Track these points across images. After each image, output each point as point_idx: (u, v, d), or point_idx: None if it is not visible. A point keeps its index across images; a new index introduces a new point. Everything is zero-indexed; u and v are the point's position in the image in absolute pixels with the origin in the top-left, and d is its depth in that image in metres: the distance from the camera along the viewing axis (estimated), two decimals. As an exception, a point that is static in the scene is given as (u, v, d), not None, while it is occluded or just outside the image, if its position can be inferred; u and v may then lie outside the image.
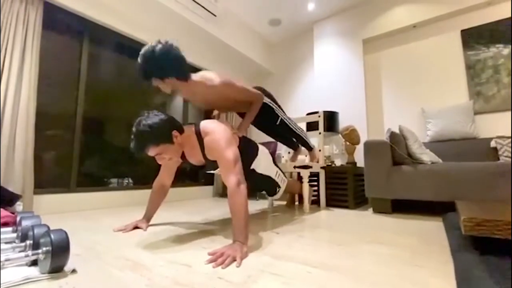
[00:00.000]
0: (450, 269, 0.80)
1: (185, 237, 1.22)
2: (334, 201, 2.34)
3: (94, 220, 1.66)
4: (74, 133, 2.22)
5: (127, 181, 2.65)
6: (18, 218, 1.05)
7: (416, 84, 2.76)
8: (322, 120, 2.44)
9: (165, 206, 2.34)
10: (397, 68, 2.90)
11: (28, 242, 0.83)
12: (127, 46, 2.68)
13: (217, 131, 1.20)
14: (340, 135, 2.87)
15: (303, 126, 3.26)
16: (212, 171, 1.53)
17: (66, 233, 0.78)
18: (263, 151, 1.64)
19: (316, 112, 2.59)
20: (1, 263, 0.73)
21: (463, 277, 0.64)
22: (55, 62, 2.20)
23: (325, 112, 2.88)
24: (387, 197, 1.93)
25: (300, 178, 2.44)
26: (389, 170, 1.94)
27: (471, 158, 2.19)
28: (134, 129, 1.11)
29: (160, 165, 1.47)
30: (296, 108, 3.65)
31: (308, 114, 2.95)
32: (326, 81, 3.29)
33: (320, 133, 2.42)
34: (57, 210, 2.01)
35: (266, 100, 1.80)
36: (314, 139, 2.50)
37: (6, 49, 1.79)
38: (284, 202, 2.58)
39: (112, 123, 2.62)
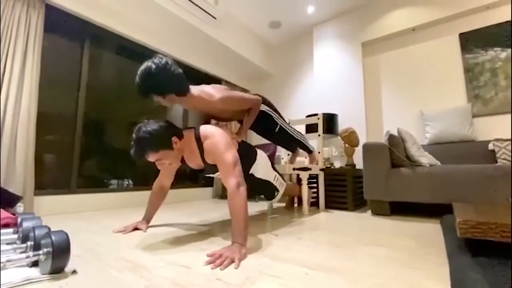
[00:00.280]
0: (446, 271, 0.81)
1: (184, 239, 1.23)
2: (333, 203, 2.35)
3: (94, 221, 1.67)
4: (74, 135, 2.23)
5: (127, 182, 2.66)
6: (19, 220, 1.06)
7: (415, 86, 2.77)
8: (321, 122, 2.45)
9: (164, 208, 2.35)
10: (396, 70, 2.92)
11: (29, 243, 0.84)
12: (127, 48, 2.70)
13: (216, 135, 1.21)
14: (339, 137, 2.89)
15: (302, 128, 3.27)
16: (211, 175, 1.54)
17: (66, 234, 0.79)
18: (261, 156, 1.64)
19: (316, 114, 2.61)
20: (3, 264, 0.74)
21: (457, 279, 0.65)
22: (56, 64, 2.21)
23: (324, 114, 2.89)
24: (386, 199, 1.94)
25: (299, 180, 2.45)
26: (388, 172, 1.95)
27: (469, 161, 2.20)
28: (134, 135, 1.13)
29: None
30: (296, 110, 3.66)
31: (307, 116, 2.96)
32: (325, 83, 3.31)
33: (319, 135, 2.43)
34: (58, 211, 2.02)
35: (265, 108, 1.80)
36: (313, 141, 2.51)
37: (8, 51, 1.81)
38: (283, 204, 2.59)
39: (113, 125, 2.64)
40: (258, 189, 1.78)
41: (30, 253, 0.78)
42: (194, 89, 1.35)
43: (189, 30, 2.84)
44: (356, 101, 3.05)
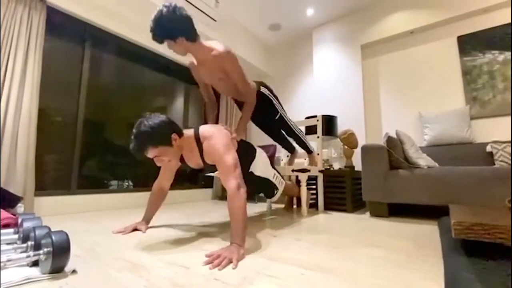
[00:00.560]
0: (442, 272, 0.82)
1: (183, 239, 1.24)
2: (332, 205, 2.36)
3: (94, 222, 1.68)
4: (75, 136, 2.25)
5: (127, 183, 2.67)
6: (19, 220, 1.07)
7: (414, 89, 2.79)
8: (321, 124, 2.47)
9: (164, 209, 2.36)
10: (395, 73, 2.94)
11: (30, 243, 0.85)
12: (128, 50, 2.72)
13: (216, 136, 1.22)
14: (338, 139, 2.90)
15: (301, 130, 3.29)
16: (211, 174, 1.55)
17: (67, 234, 0.80)
18: (261, 154, 1.66)
19: (315, 116, 2.62)
20: (4, 264, 0.75)
21: (451, 279, 0.66)
22: (58, 65, 2.23)
23: (323, 116, 2.91)
24: (384, 201, 1.95)
25: (298, 181, 2.46)
26: (386, 174, 1.96)
27: (468, 163, 2.22)
28: (135, 130, 1.13)
29: (159, 168, 1.49)
30: (295, 112, 3.68)
31: (307, 118, 2.98)
32: (325, 85, 3.33)
33: (318, 137, 2.45)
34: (58, 212, 2.02)
35: (266, 92, 1.84)
36: (312, 142, 2.52)
37: (9, 52, 1.82)
38: (282, 205, 2.60)
39: (113, 125, 2.65)
40: (258, 187, 1.79)
41: (31, 253, 0.79)
42: (205, 42, 1.45)
43: (189, 32, 2.85)
44: (355, 103, 3.06)
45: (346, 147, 2.71)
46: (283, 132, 2.21)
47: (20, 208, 1.60)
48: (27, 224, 0.99)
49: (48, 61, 2.13)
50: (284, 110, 2.02)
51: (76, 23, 2.29)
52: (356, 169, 2.73)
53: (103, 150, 2.51)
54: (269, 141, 3.61)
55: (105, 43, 2.55)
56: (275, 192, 1.83)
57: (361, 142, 2.91)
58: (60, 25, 2.23)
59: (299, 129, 2.15)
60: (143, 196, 2.57)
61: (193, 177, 3.32)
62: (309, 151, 2.29)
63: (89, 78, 2.38)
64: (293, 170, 2.10)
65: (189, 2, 2.58)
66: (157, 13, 1.30)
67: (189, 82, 3.34)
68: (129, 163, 2.67)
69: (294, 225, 1.65)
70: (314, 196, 2.46)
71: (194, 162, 1.35)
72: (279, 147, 3.27)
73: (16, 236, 1.03)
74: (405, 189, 1.87)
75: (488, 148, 2.14)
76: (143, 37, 2.70)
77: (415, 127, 2.73)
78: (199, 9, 2.72)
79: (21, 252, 0.86)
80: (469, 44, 2.50)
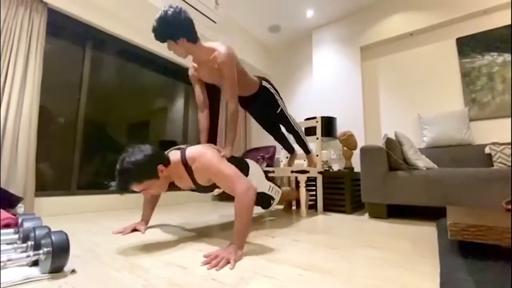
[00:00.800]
0: (438, 273, 0.83)
1: (182, 240, 1.25)
2: (331, 206, 2.36)
3: (94, 222, 1.69)
4: (75, 136, 2.26)
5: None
6: (19, 220, 1.08)
7: (413, 90, 2.80)
8: (320, 125, 2.48)
9: (163, 210, 2.37)
10: (394, 74, 2.95)
11: (30, 243, 0.85)
12: (128, 51, 2.74)
13: (204, 153, 1.19)
14: (338, 140, 2.91)
15: (302, 129, 3.30)
16: (208, 193, 1.49)
17: (66, 234, 0.81)
18: (254, 169, 1.61)
19: (314, 118, 2.63)
20: (4, 263, 0.76)
21: (446, 280, 0.67)
22: (58, 66, 2.25)
23: (323, 117, 2.91)
24: (383, 202, 1.96)
25: (297, 182, 2.47)
26: (385, 176, 1.97)
27: (466, 164, 2.22)
28: (118, 166, 1.07)
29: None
30: (295, 113, 3.68)
31: (306, 119, 2.98)
32: (324, 87, 3.34)
33: (317, 138, 2.45)
34: (58, 213, 2.03)
35: (267, 85, 1.86)
36: (312, 144, 2.53)
37: (10, 53, 1.84)
38: (281, 207, 2.60)
39: (114, 127, 2.66)
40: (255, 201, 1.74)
41: (31, 253, 0.80)
42: (206, 43, 1.48)
43: (190, 34, 2.87)
44: (355, 104, 3.07)
45: (345, 148, 2.72)
46: (283, 129, 2.22)
47: (20, 208, 1.61)
48: (27, 224, 1.00)
49: (49, 62, 2.14)
50: (285, 106, 2.04)
51: (76, 25, 2.30)
52: (355, 170, 2.73)
53: (103, 151, 2.53)
54: (268, 142, 3.62)
55: (105, 44, 2.57)
56: (272, 202, 1.79)
57: (361, 143, 2.92)
58: (61, 27, 2.25)
59: (299, 126, 2.16)
60: (143, 197, 2.57)
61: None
62: (307, 151, 2.30)
63: (89, 79, 2.40)
64: (292, 171, 2.10)
65: (188, 4, 2.59)
66: (161, 13, 1.34)
67: (189, 83, 3.35)
68: (129, 163, 2.68)
69: (293, 226, 1.66)
70: (313, 198, 2.47)
71: (185, 185, 1.32)
72: (278, 148, 3.28)
73: (16, 236, 1.04)
74: (404, 191, 1.88)
75: (487, 150, 2.15)
76: (143, 39, 2.72)
77: (414, 129, 2.73)
78: (199, 11, 2.73)
79: (21, 252, 0.87)
80: (468, 46, 2.51)
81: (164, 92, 3.22)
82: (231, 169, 1.15)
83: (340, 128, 3.08)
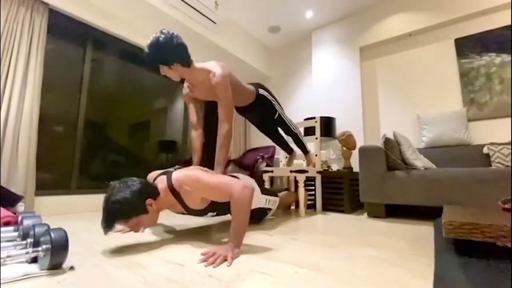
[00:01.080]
0: (432, 271, 0.83)
1: (180, 238, 1.26)
2: (330, 206, 2.37)
3: (94, 221, 1.70)
4: (75, 136, 2.27)
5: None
6: (19, 218, 1.09)
7: (412, 91, 2.81)
8: (319, 125, 2.49)
9: (163, 211, 2.37)
10: (393, 75, 2.96)
11: (29, 240, 0.87)
12: (129, 52, 2.75)
13: (189, 174, 1.16)
14: (337, 140, 2.92)
15: (300, 131, 3.31)
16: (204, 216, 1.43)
17: (65, 231, 0.82)
18: None
19: (314, 118, 2.64)
20: (3, 260, 0.77)
21: (440, 277, 0.68)
22: (59, 66, 2.26)
23: (322, 117, 2.92)
24: (381, 202, 1.96)
25: (296, 182, 2.48)
26: (384, 175, 1.98)
27: (465, 164, 2.23)
28: (103, 204, 1.01)
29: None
30: (294, 114, 3.70)
31: (305, 119, 3.00)
32: (324, 87, 3.35)
33: (316, 138, 2.46)
34: (58, 212, 2.05)
35: (265, 93, 1.87)
36: (311, 144, 2.54)
37: (11, 53, 1.85)
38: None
39: (114, 126, 2.68)
40: (251, 217, 1.68)
41: (30, 250, 0.81)
42: (198, 64, 1.48)
43: (189, 35, 2.89)
44: (354, 104, 3.08)
45: (344, 148, 2.73)
46: (281, 132, 2.23)
47: (20, 207, 1.62)
48: (27, 222, 1.01)
49: (49, 62, 2.16)
50: (282, 109, 2.05)
51: (77, 25, 2.32)
52: (354, 170, 2.74)
53: (103, 151, 2.54)
54: (268, 142, 3.63)
55: (106, 45, 2.58)
56: (268, 212, 1.76)
57: (360, 143, 2.92)
58: (62, 27, 2.27)
59: (297, 128, 2.18)
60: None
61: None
62: (305, 151, 2.32)
63: (90, 80, 2.41)
64: (291, 171, 2.11)
65: (188, 4, 2.61)
66: (153, 39, 1.32)
67: (189, 83, 3.36)
68: (130, 163, 2.70)
69: (291, 225, 1.67)
70: (312, 197, 2.48)
71: (177, 210, 1.29)
72: (278, 148, 3.29)
73: (16, 233, 1.05)
74: (402, 190, 1.88)
75: (485, 150, 2.15)
76: (143, 39, 2.73)
77: (413, 129, 2.74)
78: (199, 11, 2.75)
79: (21, 249, 0.88)
80: (466, 46, 2.52)
81: (164, 92, 3.23)
82: (220, 178, 1.14)
83: (340, 128, 3.09)
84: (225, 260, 0.91)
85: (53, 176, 2.16)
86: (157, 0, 2.46)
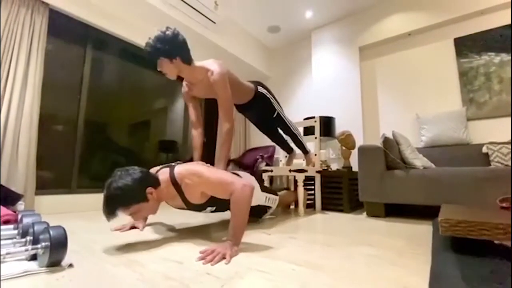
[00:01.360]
0: (429, 268, 0.84)
1: (179, 237, 1.27)
2: (329, 205, 2.37)
3: (94, 220, 1.71)
4: (76, 135, 2.28)
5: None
6: (19, 216, 1.10)
7: (411, 90, 2.81)
8: (318, 125, 2.49)
9: (162, 209, 2.38)
10: (393, 74, 2.96)
11: (29, 238, 0.87)
12: (129, 51, 2.76)
13: (192, 168, 1.17)
14: (336, 140, 2.92)
15: (300, 130, 3.31)
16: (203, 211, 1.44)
17: (64, 229, 0.83)
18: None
19: (313, 117, 2.65)
20: (3, 257, 0.77)
21: (436, 275, 0.68)
22: (59, 66, 2.27)
23: (321, 117, 2.93)
24: (381, 201, 1.96)
25: (296, 182, 2.48)
26: (383, 175, 1.98)
27: (464, 164, 2.23)
28: (105, 191, 1.03)
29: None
30: (294, 113, 3.70)
31: (305, 119, 3.00)
32: (323, 87, 3.36)
33: (316, 137, 2.47)
34: (58, 211, 2.05)
35: (263, 91, 1.87)
36: (310, 143, 2.54)
37: (12, 53, 1.86)
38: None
39: (114, 126, 2.68)
40: (250, 214, 1.70)
41: (29, 247, 0.81)
42: (197, 63, 1.50)
43: (189, 34, 2.89)
44: (353, 104, 3.09)
45: (344, 148, 2.73)
46: (280, 132, 2.24)
47: (20, 205, 1.63)
48: (26, 220, 1.02)
49: (50, 62, 2.16)
50: (282, 108, 2.06)
51: (78, 26, 2.33)
52: (354, 169, 2.74)
53: (103, 150, 2.55)
54: (268, 141, 3.64)
55: (106, 45, 2.59)
56: (268, 210, 1.77)
57: (359, 143, 2.93)
58: (63, 27, 2.27)
59: (296, 128, 2.18)
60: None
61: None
62: (305, 151, 2.32)
63: (90, 79, 2.42)
64: (290, 170, 2.12)
65: (188, 4, 2.62)
66: (159, 33, 1.37)
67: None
68: (130, 163, 2.70)
69: (290, 224, 1.67)
70: (312, 197, 2.48)
71: (176, 204, 1.30)
72: (277, 147, 3.29)
73: (15, 231, 1.06)
74: (401, 190, 1.88)
75: (484, 149, 2.16)
76: (143, 39, 2.74)
77: (413, 128, 2.74)
78: (199, 11, 2.76)
79: (20, 247, 0.89)
80: (465, 46, 2.52)
81: (164, 92, 3.24)
82: (222, 174, 1.15)
83: (339, 127, 3.09)
84: (224, 258, 0.91)
85: (54, 175, 2.17)
86: (156, 0, 2.47)
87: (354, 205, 2.42)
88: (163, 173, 1.19)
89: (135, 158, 2.84)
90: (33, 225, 0.88)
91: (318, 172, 2.38)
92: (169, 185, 1.17)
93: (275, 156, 3.45)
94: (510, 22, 2.35)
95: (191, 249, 1.05)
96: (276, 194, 1.81)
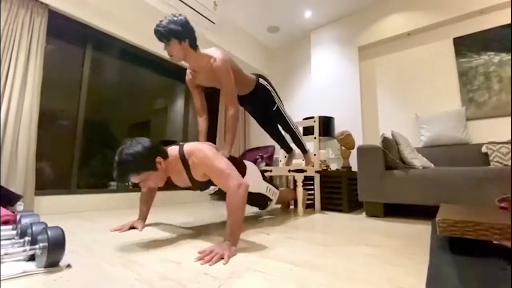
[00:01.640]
0: (426, 269, 0.84)
1: (178, 237, 1.27)
2: (328, 205, 2.37)
3: (93, 221, 1.71)
4: (75, 136, 2.29)
5: (127, 183, 2.70)
6: (18, 217, 1.10)
7: (410, 90, 2.81)
8: (318, 125, 2.49)
9: (162, 209, 2.39)
10: (392, 74, 2.96)
11: (27, 238, 0.88)
12: (128, 52, 2.76)
13: (201, 148, 1.21)
14: (336, 140, 2.92)
15: (299, 130, 3.31)
16: (205, 191, 1.50)
17: (62, 230, 0.83)
18: (251, 169, 1.64)
19: (312, 117, 2.65)
20: (2, 257, 0.78)
21: (433, 275, 0.68)
22: (59, 67, 2.27)
23: (320, 117, 2.93)
24: (380, 201, 1.96)
25: (295, 182, 2.48)
26: (382, 175, 1.98)
27: (463, 164, 2.23)
28: (116, 157, 1.09)
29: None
30: (293, 113, 3.69)
31: (304, 119, 3.00)
32: (323, 86, 3.35)
33: (315, 137, 2.47)
34: (58, 211, 2.06)
35: (264, 83, 1.89)
36: (310, 143, 2.54)
37: (11, 54, 1.87)
38: (279, 206, 2.61)
39: (113, 126, 2.69)
40: (251, 201, 1.76)
41: (27, 247, 0.82)
42: (203, 50, 1.54)
43: (189, 35, 2.89)
44: (353, 104, 3.08)
45: (343, 148, 2.73)
46: (280, 128, 2.24)
47: (20, 206, 1.63)
48: (25, 221, 1.02)
49: (49, 63, 2.17)
50: (282, 104, 2.06)
51: (77, 26, 2.33)
52: (353, 169, 2.74)
53: (103, 151, 2.55)
54: (267, 142, 3.64)
55: (105, 45, 2.59)
56: (269, 203, 1.82)
57: (359, 143, 2.92)
58: (62, 28, 2.28)
59: (296, 126, 2.18)
60: (142, 196, 2.59)
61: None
62: (304, 150, 2.32)
63: (89, 80, 2.42)
64: (289, 170, 2.12)
65: (187, 4, 2.62)
66: (171, 16, 1.43)
67: (189, 83, 3.38)
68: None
69: (289, 224, 1.67)
70: (312, 197, 2.48)
71: (181, 181, 1.33)
72: (277, 148, 3.29)
73: (14, 232, 1.06)
74: (400, 190, 1.88)
75: (484, 149, 2.15)
76: (143, 39, 2.74)
77: (412, 128, 2.74)
78: (198, 11, 2.76)
79: (19, 247, 0.89)
80: (465, 45, 2.52)
81: (164, 92, 3.24)
82: (224, 164, 1.17)
83: (338, 127, 3.09)
84: (222, 258, 0.92)
85: (53, 176, 2.17)
86: (155, 0, 2.47)
87: (353, 205, 2.42)
88: (172, 149, 1.25)
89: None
90: (31, 225, 0.88)
91: (317, 172, 2.38)
92: (177, 160, 1.23)
93: (275, 156, 3.45)
94: (509, 22, 2.34)
95: (189, 250, 1.05)
96: (277, 188, 1.86)
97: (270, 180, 1.85)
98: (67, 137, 2.26)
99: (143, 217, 1.53)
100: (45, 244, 0.79)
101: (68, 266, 0.83)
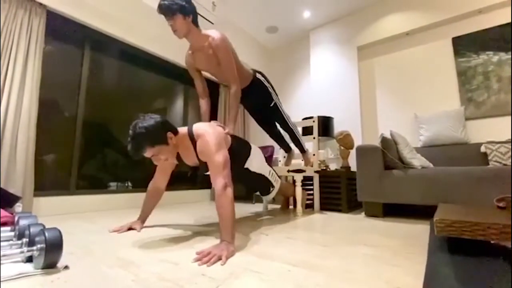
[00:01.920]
0: (424, 269, 0.84)
1: (177, 238, 1.27)
2: (328, 205, 2.37)
3: (92, 222, 1.71)
4: (74, 137, 2.28)
5: (126, 184, 2.70)
6: (16, 218, 1.10)
7: (409, 90, 2.81)
8: (317, 125, 2.49)
9: (161, 209, 2.39)
10: (391, 74, 2.96)
11: (24, 240, 0.87)
12: (127, 52, 2.76)
13: (208, 134, 1.25)
14: (335, 140, 2.92)
15: (298, 130, 3.31)
16: (207, 173, 1.58)
17: (59, 231, 0.83)
18: (255, 150, 1.71)
19: (311, 117, 2.65)
20: (0, 259, 0.78)
21: (430, 275, 0.68)
22: (58, 67, 2.27)
23: (319, 117, 2.93)
24: (379, 201, 1.96)
25: (295, 182, 2.48)
26: (381, 175, 1.98)
27: (462, 163, 2.23)
28: (131, 131, 1.16)
29: (155, 168, 1.52)
30: (292, 113, 3.70)
31: (303, 119, 3.00)
32: (322, 86, 3.36)
33: (314, 137, 2.47)
34: (57, 212, 2.06)
35: (261, 78, 1.90)
36: (309, 143, 2.54)
37: (10, 55, 1.86)
38: (279, 206, 2.62)
39: (112, 127, 2.69)
40: (253, 183, 1.83)
41: (25, 249, 0.82)
42: (203, 30, 1.58)
43: (187, 35, 2.89)
44: (352, 104, 3.09)
45: (342, 148, 2.73)
46: (278, 126, 2.24)
47: (18, 207, 1.63)
48: (23, 222, 1.02)
49: (48, 63, 2.17)
50: (280, 101, 2.06)
51: (75, 27, 2.33)
52: (352, 169, 2.74)
53: (102, 151, 2.55)
54: (267, 142, 3.64)
55: (104, 45, 2.59)
56: (271, 189, 1.86)
57: (358, 143, 2.93)
58: (60, 29, 2.28)
59: (294, 124, 2.18)
60: (142, 197, 2.57)
61: (191, 178, 3.34)
62: (302, 149, 2.32)
63: (88, 80, 2.42)
64: (288, 171, 2.12)
65: (186, 5, 2.61)
66: None
67: (189, 83, 3.38)
68: (128, 164, 2.70)
69: (288, 224, 1.67)
70: (311, 197, 2.48)
71: (190, 159, 1.39)
72: (277, 148, 3.29)
73: (12, 233, 1.06)
74: (399, 189, 1.88)
75: (483, 149, 2.15)
76: (142, 40, 2.74)
77: (411, 128, 2.74)
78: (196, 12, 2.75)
79: (16, 249, 0.89)
80: (464, 45, 2.52)
81: (163, 92, 3.24)
82: (222, 158, 1.19)
83: (338, 127, 3.09)
84: (220, 259, 0.92)
85: (52, 177, 2.17)
86: (154, 0, 2.47)
87: (352, 205, 2.42)
88: (182, 129, 1.31)
89: (134, 159, 2.84)
90: (29, 227, 0.88)
91: (316, 172, 2.38)
92: (186, 138, 1.30)
93: (274, 156, 3.45)
94: (509, 21, 2.34)
95: (188, 251, 1.05)
96: (279, 176, 1.92)
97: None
98: (66, 137, 2.26)
99: (142, 218, 1.52)
100: (43, 245, 0.79)
101: (66, 267, 0.83)
